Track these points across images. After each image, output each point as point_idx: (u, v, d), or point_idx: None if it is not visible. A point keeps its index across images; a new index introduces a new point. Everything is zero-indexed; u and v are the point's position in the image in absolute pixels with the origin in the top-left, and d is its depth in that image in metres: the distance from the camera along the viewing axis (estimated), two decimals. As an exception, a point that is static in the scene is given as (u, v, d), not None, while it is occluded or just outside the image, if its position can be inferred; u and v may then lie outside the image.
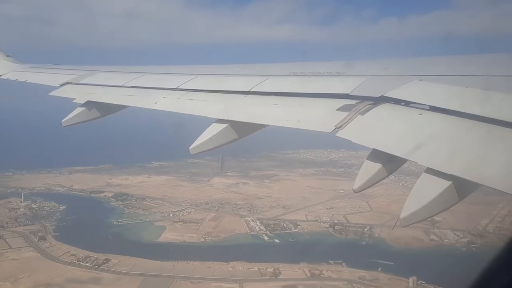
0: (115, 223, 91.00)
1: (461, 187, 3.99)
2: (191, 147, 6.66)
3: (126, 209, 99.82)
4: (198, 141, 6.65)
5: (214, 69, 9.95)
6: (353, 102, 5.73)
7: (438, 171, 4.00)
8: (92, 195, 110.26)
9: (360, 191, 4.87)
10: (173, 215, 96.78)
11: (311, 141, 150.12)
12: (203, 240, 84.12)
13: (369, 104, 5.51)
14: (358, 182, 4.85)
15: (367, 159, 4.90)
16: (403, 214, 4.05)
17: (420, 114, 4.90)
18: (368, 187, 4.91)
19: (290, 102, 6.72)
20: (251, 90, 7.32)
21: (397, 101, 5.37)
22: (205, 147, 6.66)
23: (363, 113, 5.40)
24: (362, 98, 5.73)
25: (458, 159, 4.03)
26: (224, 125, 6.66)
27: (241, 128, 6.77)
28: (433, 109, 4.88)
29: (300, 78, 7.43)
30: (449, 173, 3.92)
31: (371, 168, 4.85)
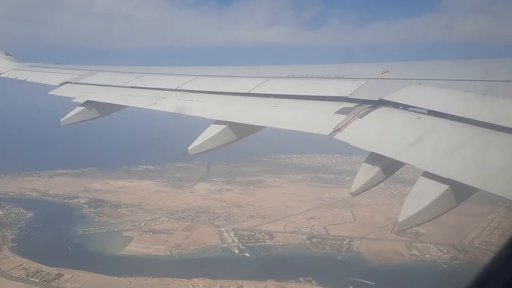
0: (80, 232, 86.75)
1: (459, 191, 4.01)
2: (189, 147, 6.63)
3: (96, 217, 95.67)
4: (196, 142, 6.65)
5: (214, 70, 9.92)
6: (351, 105, 5.76)
7: (436, 175, 4.03)
8: (65, 201, 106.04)
9: (357, 194, 4.85)
10: (145, 224, 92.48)
11: (307, 146, 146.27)
12: (169, 253, 79.72)
13: (367, 108, 5.53)
14: (355, 185, 4.82)
15: (365, 162, 4.88)
16: (401, 218, 4.03)
17: (418, 118, 4.94)
18: (365, 190, 4.88)
19: (289, 105, 6.71)
20: (250, 92, 7.38)
21: (395, 105, 5.42)
22: (203, 148, 6.64)
23: (361, 116, 5.41)
24: (360, 101, 5.76)
25: (456, 163, 4.08)
26: (223, 126, 6.67)
27: (240, 130, 6.76)
28: (432, 113, 4.92)
29: (299, 80, 7.44)
30: (446, 177, 3.95)
31: (369, 171, 4.81)
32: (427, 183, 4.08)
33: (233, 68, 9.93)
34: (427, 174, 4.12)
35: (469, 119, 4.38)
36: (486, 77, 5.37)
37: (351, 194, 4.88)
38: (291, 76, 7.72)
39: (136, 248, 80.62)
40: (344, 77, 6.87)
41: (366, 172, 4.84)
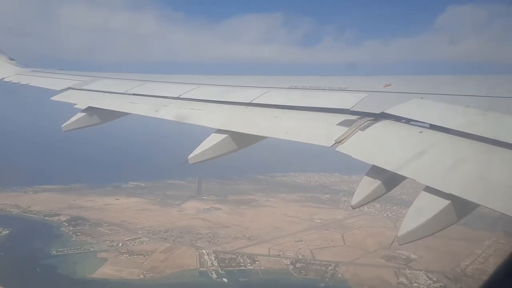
0: (54, 252, 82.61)
1: (460, 207, 4.01)
2: (190, 156, 6.65)
3: (74, 236, 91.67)
4: (197, 151, 6.65)
5: (217, 79, 9.96)
6: (353, 117, 5.78)
7: (437, 190, 4.04)
8: (46, 218, 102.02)
9: (358, 207, 4.84)
10: (123, 244, 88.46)
11: (306, 163, 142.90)
12: (142, 277, 75.39)
13: (369, 120, 5.55)
14: (356, 198, 4.82)
15: (366, 175, 4.88)
16: (400, 232, 4.03)
17: (421, 132, 4.95)
18: (366, 203, 4.89)
19: (290, 115, 6.70)
20: (252, 102, 7.38)
21: (397, 118, 5.44)
22: (204, 156, 6.65)
23: (363, 129, 5.43)
24: (362, 114, 5.78)
25: (457, 179, 4.07)
26: (224, 136, 6.70)
27: (241, 139, 6.80)
28: (434, 127, 4.93)
29: (302, 91, 7.47)
30: (448, 192, 3.96)
31: (370, 184, 4.82)
32: (428, 198, 4.06)
33: (236, 77, 9.90)
34: (428, 189, 4.11)
35: (471, 134, 4.38)
36: (488, 92, 5.31)
37: (351, 207, 4.86)
38: (293, 87, 7.69)
39: (109, 270, 76.50)
40: (346, 89, 6.87)
41: (367, 185, 4.80)
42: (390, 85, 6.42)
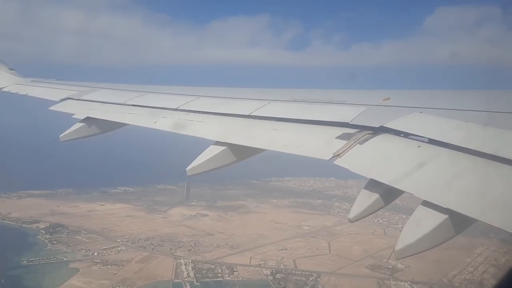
0: (24, 262, 79.38)
1: (458, 222, 4.00)
2: (188, 168, 6.59)
3: (49, 245, 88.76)
4: (195, 162, 6.61)
5: (216, 91, 9.97)
6: (352, 131, 5.76)
7: (435, 204, 4.03)
8: (24, 225, 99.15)
9: (356, 220, 4.79)
10: (98, 254, 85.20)
11: (303, 168, 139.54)
12: (110, 289, 72.15)
13: (368, 134, 5.53)
14: (353, 212, 4.79)
15: (364, 188, 4.87)
16: (398, 246, 4.02)
17: (419, 147, 4.94)
18: (364, 217, 4.88)
19: (289, 128, 6.70)
20: (251, 114, 7.37)
21: (396, 132, 5.44)
22: (202, 168, 6.62)
23: (362, 143, 5.41)
24: (361, 128, 5.76)
25: (455, 193, 4.07)
26: (223, 148, 6.68)
27: (239, 151, 6.77)
28: (432, 142, 4.92)
29: (301, 104, 7.48)
30: (445, 207, 3.95)
31: (368, 198, 4.79)
32: (425, 212, 4.04)
33: (234, 90, 9.77)
34: (426, 203, 4.08)
35: (470, 149, 4.37)
36: (487, 107, 5.32)
37: (349, 220, 4.82)
38: (292, 100, 7.70)
39: (77, 283, 73.28)
40: (345, 102, 6.83)
41: (365, 199, 4.76)
42: (389, 99, 6.43)
